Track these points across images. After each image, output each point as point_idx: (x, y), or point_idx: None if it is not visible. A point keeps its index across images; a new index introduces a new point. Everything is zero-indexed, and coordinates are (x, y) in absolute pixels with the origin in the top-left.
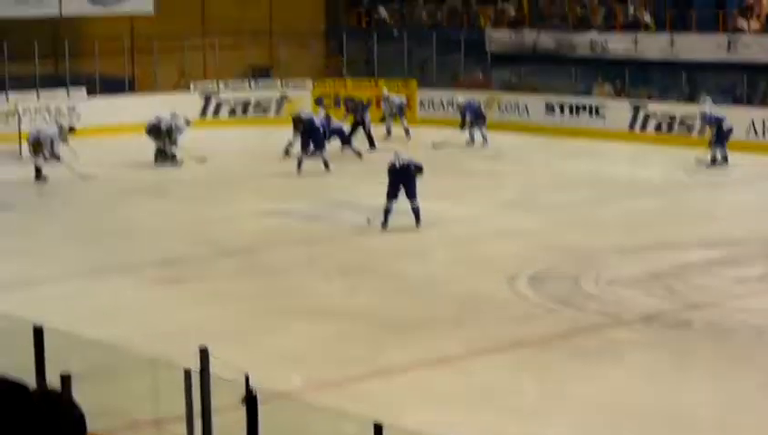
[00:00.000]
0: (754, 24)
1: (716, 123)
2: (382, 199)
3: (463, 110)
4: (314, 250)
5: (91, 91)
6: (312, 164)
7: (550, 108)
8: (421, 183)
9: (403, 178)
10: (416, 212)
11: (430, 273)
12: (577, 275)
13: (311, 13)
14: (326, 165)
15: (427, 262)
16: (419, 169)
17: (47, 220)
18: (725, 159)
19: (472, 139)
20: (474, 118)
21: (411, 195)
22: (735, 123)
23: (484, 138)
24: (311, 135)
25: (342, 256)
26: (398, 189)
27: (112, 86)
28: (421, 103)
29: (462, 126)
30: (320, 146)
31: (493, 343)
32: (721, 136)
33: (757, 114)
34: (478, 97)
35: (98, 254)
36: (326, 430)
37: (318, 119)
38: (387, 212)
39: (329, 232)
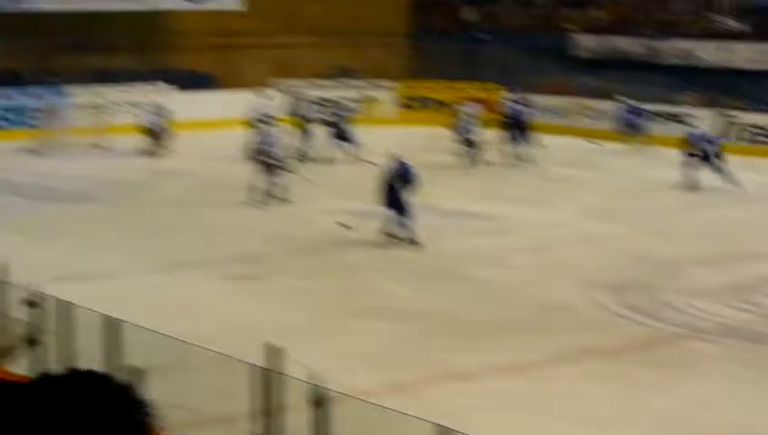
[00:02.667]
0: None
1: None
2: (460, 204)
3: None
4: (390, 252)
5: (178, 86)
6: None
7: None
8: (499, 187)
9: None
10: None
11: (506, 278)
12: (656, 285)
13: (396, 13)
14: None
15: (503, 267)
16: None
17: (130, 214)
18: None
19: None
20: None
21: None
22: None
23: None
24: None
25: (418, 258)
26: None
27: (199, 81)
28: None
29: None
30: None
31: (567, 351)
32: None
33: None
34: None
35: (177, 249)
36: (394, 433)
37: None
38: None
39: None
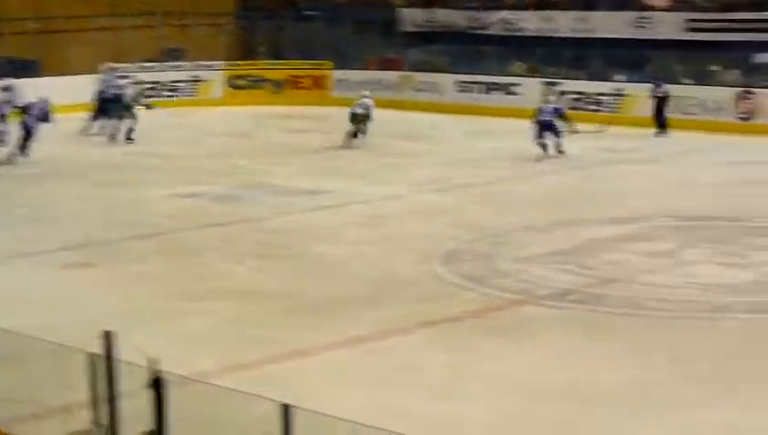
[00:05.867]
0: (663, 2)
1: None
2: (296, 182)
3: None
4: (228, 231)
5: None
6: (229, 146)
7: (463, 87)
8: (335, 163)
9: None
10: None
11: (343, 253)
12: (491, 253)
13: None
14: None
15: (340, 242)
16: None
17: None
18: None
19: None
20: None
21: None
22: (648, 100)
23: None
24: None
25: (256, 237)
26: None
27: (19, 68)
28: (337, 83)
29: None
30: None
31: (406, 322)
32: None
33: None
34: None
35: (7, 239)
36: (236, 413)
37: None
38: None
39: (242, 213)
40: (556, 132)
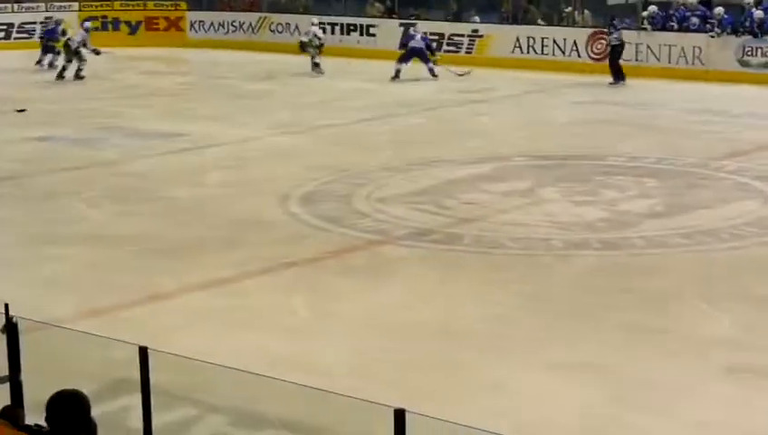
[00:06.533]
0: None
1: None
2: (152, 124)
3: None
4: (84, 175)
5: None
6: (85, 88)
7: (321, 28)
8: (191, 105)
9: None
10: None
11: (201, 196)
12: (348, 194)
13: None
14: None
15: (197, 185)
16: None
17: None
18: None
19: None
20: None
21: None
22: (503, 40)
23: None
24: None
25: (113, 180)
26: None
27: None
28: (192, 25)
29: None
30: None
31: (264, 263)
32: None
33: (522, 32)
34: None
35: None
36: (93, 357)
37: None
38: None
39: (97, 157)
40: (425, 60)
